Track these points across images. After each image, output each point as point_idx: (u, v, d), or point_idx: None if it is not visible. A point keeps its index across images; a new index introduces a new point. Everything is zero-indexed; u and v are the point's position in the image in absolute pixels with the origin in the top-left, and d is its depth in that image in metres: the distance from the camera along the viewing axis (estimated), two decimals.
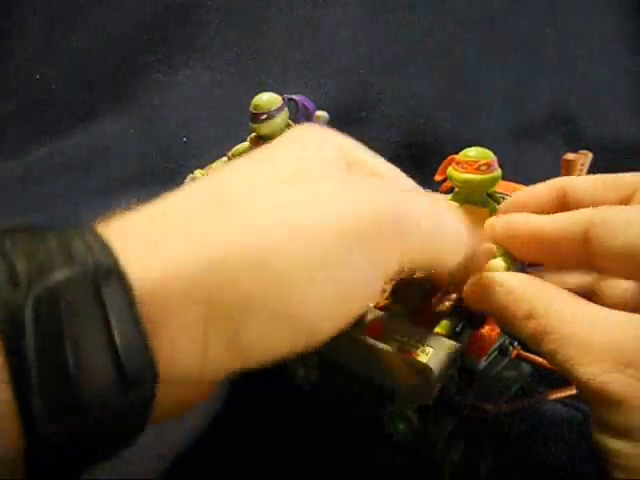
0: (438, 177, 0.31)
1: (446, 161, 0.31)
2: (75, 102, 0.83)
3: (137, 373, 0.15)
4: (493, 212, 0.29)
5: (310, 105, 0.46)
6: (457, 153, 0.30)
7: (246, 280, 0.16)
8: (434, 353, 0.24)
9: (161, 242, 0.17)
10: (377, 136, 0.84)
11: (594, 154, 0.42)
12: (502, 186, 0.36)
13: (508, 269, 0.25)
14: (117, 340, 0.14)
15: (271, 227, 0.17)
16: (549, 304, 0.20)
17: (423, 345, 0.25)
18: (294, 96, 0.46)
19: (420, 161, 0.83)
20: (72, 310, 0.14)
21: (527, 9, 0.88)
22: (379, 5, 0.85)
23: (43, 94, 0.83)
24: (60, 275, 0.15)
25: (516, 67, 0.88)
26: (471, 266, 0.25)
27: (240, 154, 0.46)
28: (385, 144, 0.86)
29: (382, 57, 0.85)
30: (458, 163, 0.29)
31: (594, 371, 0.17)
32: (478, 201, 0.30)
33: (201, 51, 0.84)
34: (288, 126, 0.44)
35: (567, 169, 0.40)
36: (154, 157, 0.79)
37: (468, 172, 0.29)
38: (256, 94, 0.47)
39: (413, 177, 0.52)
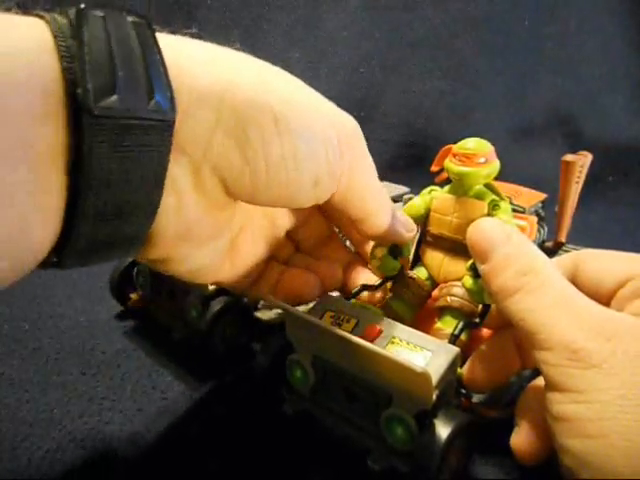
0: (434, 168, 0.30)
1: (442, 151, 0.29)
2: None
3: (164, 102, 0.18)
4: (491, 204, 0.28)
5: None
6: None
7: (250, 90, 0.21)
8: (432, 358, 0.24)
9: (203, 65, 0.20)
10: (377, 136, 0.84)
11: (594, 154, 0.41)
12: (503, 188, 0.35)
13: None
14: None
15: (275, 73, 0.24)
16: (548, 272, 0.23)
17: (422, 349, 0.24)
18: None
19: (420, 161, 0.83)
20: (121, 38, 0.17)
21: (527, 9, 0.88)
22: (379, 5, 0.85)
23: None
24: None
25: (516, 67, 0.88)
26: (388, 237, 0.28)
27: None
28: (385, 144, 0.86)
29: (382, 57, 0.85)
30: (455, 155, 0.28)
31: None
32: (476, 193, 0.29)
33: None
34: None
35: (567, 171, 0.40)
36: None
37: (465, 165, 0.28)
38: None
39: (413, 176, 0.52)
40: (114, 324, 0.39)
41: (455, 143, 0.29)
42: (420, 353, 0.24)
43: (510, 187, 0.38)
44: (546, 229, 0.40)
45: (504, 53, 0.87)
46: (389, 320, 0.27)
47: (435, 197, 0.30)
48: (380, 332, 0.26)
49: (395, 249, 0.30)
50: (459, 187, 0.29)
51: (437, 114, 0.82)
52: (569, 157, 0.39)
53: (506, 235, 0.24)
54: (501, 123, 0.85)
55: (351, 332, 0.25)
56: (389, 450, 0.24)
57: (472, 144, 0.28)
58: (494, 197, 0.28)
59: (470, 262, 0.27)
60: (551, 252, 0.41)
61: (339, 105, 0.25)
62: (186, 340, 0.35)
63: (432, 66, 0.85)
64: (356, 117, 0.26)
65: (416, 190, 0.40)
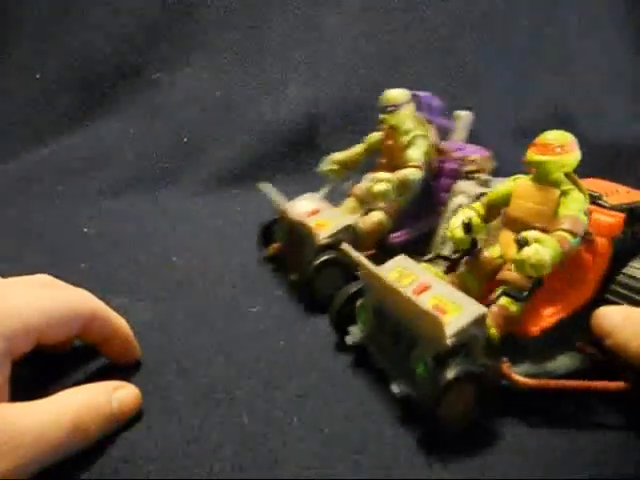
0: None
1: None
2: (75, 102, 0.83)
3: None
4: (566, 193, 0.31)
5: (436, 103, 0.50)
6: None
7: None
8: (460, 312, 0.28)
9: None
10: None
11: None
12: (596, 185, 0.36)
13: None
14: None
15: None
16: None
17: (454, 304, 0.29)
18: (420, 93, 0.49)
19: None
20: None
21: (527, 9, 0.88)
22: (379, 5, 0.85)
23: (43, 94, 0.83)
24: None
25: (516, 67, 0.88)
26: None
27: (373, 143, 0.49)
28: None
29: (382, 57, 0.85)
30: (535, 145, 0.32)
31: None
32: (554, 181, 0.32)
33: (201, 51, 0.84)
34: (415, 119, 0.48)
35: None
36: (154, 157, 0.79)
37: (541, 153, 0.31)
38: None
39: None
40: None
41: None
42: (452, 306, 0.29)
43: (612, 186, 0.38)
44: None
45: (504, 53, 0.87)
46: (442, 282, 0.31)
47: (518, 183, 0.34)
48: (426, 288, 0.31)
49: (468, 225, 0.34)
50: (538, 175, 0.32)
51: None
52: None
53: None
54: (501, 122, 0.85)
55: (406, 287, 0.31)
56: (412, 382, 0.29)
57: (550, 135, 0.32)
58: (569, 186, 0.31)
59: (516, 236, 0.30)
60: None
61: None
62: (298, 282, 0.43)
63: (432, 66, 0.85)
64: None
65: None
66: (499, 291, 0.32)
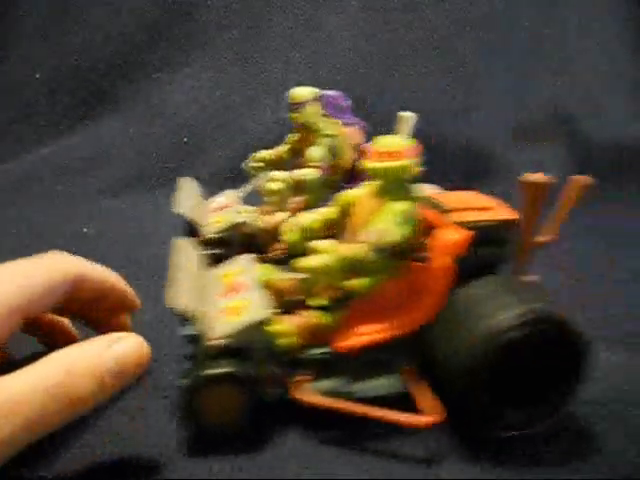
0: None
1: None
2: (75, 102, 0.83)
3: None
4: (391, 203, 0.29)
5: (342, 102, 0.49)
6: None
7: None
8: (244, 315, 0.28)
9: None
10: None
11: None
12: (459, 198, 0.34)
13: None
14: None
15: None
16: None
17: (248, 309, 0.28)
18: (327, 92, 0.48)
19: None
20: None
21: (527, 9, 0.88)
22: (379, 5, 0.85)
23: (43, 94, 0.83)
24: None
25: (516, 67, 0.88)
26: None
27: (293, 142, 0.49)
28: None
29: (382, 57, 0.85)
30: (369, 152, 0.30)
31: None
32: (388, 189, 0.30)
33: (201, 51, 0.84)
34: (326, 118, 0.47)
35: (533, 193, 0.31)
36: (154, 157, 0.79)
37: (375, 160, 0.29)
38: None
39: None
40: None
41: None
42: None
43: (484, 199, 0.34)
44: (505, 252, 0.32)
45: (504, 53, 0.87)
46: (258, 286, 0.30)
47: (363, 190, 0.32)
48: (237, 290, 0.30)
49: (304, 229, 0.33)
50: (379, 184, 0.30)
51: (437, 114, 0.82)
52: (536, 178, 0.31)
53: None
54: (501, 123, 0.85)
55: (223, 285, 0.31)
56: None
57: (384, 141, 0.30)
58: (396, 196, 0.29)
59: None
60: None
61: None
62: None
63: (432, 66, 0.85)
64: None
65: None
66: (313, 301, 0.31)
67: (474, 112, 0.84)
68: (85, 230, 0.61)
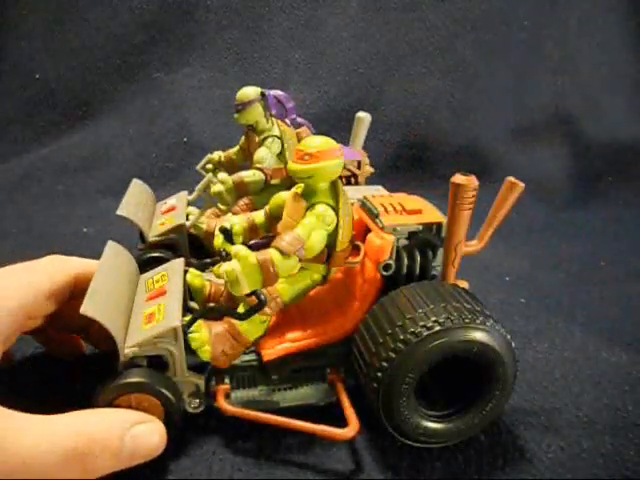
0: None
1: None
2: (75, 102, 0.83)
3: None
4: (312, 206, 0.28)
5: (287, 104, 0.48)
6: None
7: None
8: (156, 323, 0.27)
9: None
10: (377, 136, 0.84)
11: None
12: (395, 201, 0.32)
13: None
14: None
15: None
16: None
17: (162, 316, 0.28)
18: (271, 91, 0.47)
19: (420, 161, 0.83)
20: None
21: (527, 9, 0.88)
22: (379, 5, 0.85)
23: (43, 94, 0.83)
24: None
25: (516, 67, 0.88)
26: None
27: (244, 144, 0.48)
28: (385, 144, 0.86)
29: (382, 57, 0.85)
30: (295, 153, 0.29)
31: None
32: (310, 191, 0.29)
33: (201, 51, 0.84)
34: (271, 119, 0.46)
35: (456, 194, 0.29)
36: (154, 157, 0.79)
37: (294, 161, 0.28)
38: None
39: (413, 177, 0.51)
40: None
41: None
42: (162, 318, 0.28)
43: (418, 202, 0.33)
44: (434, 256, 0.31)
45: (504, 53, 0.87)
46: (179, 291, 0.29)
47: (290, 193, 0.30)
48: (159, 296, 0.29)
49: (227, 232, 0.31)
50: (301, 184, 0.29)
51: (437, 114, 0.82)
52: (459, 179, 0.29)
53: None
54: (501, 123, 0.85)
55: (149, 290, 0.31)
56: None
57: (306, 142, 0.28)
58: (317, 199, 0.28)
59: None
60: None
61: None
62: None
63: (432, 66, 0.85)
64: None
65: (416, 190, 0.40)
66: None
67: (474, 112, 0.84)
68: (85, 230, 0.61)
